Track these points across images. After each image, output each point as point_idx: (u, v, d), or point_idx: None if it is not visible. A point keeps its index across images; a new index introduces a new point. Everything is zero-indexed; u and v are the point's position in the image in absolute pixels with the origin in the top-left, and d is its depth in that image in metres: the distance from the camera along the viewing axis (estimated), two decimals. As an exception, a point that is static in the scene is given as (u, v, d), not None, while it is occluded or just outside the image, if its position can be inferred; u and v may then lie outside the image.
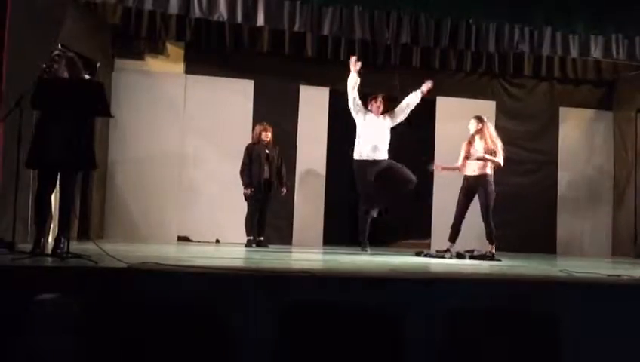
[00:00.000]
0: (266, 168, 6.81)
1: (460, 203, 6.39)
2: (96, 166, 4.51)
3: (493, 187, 6.33)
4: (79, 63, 4.39)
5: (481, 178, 6.29)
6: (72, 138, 4.05)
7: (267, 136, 6.85)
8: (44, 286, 3.21)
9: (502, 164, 6.36)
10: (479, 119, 6.49)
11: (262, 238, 6.82)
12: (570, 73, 8.44)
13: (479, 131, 6.42)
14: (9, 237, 4.19)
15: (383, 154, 6.61)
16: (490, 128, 6.50)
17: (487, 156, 6.29)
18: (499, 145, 6.37)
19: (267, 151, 6.84)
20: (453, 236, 6.33)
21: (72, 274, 3.45)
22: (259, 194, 6.76)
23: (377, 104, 6.69)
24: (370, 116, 6.67)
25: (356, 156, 6.60)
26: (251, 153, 6.82)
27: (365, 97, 6.84)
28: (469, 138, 6.50)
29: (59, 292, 3.19)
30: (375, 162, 6.53)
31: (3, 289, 3.20)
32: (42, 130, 4.11)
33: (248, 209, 6.78)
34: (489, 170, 6.33)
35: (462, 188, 6.43)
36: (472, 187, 6.35)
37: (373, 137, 6.58)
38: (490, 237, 6.28)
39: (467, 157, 6.42)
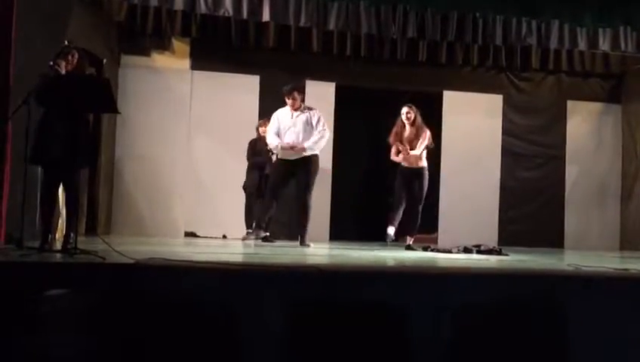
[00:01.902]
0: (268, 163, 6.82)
1: (400, 197, 6.30)
2: (94, 164, 4.51)
3: (427, 180, 6.35)
4: (85, 59, 4.40)
5: (419, 170, 6.28)
6: (72, 135, 4.06)
7: (264, 131, 6.85)
8: (52, 283, 3.23)
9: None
10: (410, 108, 6.30)
11: (267, 234, 6.83)
12: (578, 66, 8.38)
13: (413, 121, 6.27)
14: (17, 233, 4.22)
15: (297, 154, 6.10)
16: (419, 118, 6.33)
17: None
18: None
19: (268, 147, 6.84)
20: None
21: (79, 270, 3.47)
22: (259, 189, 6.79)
23: (291, 99, 6.18)
24: (283, 113, 6.26)
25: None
26: (254, 148, 6.85)
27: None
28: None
29: (67, 288, 3.21)
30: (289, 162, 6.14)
31: (11, 286, 3.23)
32: (46, 127, 4.12)
33: (247, 202, 6.81)
34: (425, 163, 6.33)
35: (399, 181, 6.33)
36: (409, 179, 6.31)
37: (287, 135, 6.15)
38: (414, 229, 6.33)
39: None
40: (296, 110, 6.22)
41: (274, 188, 6.25)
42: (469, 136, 8.12)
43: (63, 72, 4.22)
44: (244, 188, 6.93)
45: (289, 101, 6.21)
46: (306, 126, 6.16)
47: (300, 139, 6.12)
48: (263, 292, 3.41)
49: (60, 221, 5.16)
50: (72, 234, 4.11)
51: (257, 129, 6.97)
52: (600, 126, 8.64)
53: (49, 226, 4.28)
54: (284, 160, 6.20)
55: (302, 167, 6.13)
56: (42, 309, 3.11)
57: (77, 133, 4.09)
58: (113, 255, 3.79)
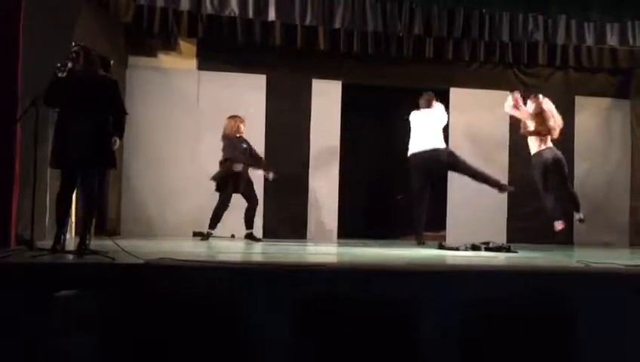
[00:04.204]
0: None
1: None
2: (115, 165, 4.54)
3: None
4: (97, 59, 4.42)
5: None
6: (92, 136, 4.09)
7: (235, 128, 6.79)
8: (63, 283, 3.26)
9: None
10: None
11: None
12: (586, 61, 8.32)
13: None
14: (28, 234, 4.25)
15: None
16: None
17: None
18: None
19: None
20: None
21: (89, 270, 3.49)
22: None
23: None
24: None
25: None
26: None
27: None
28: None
29: (77, 288, 3.23)
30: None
31: (23, 287, 3.25)
32: (62, 129, 4.15)
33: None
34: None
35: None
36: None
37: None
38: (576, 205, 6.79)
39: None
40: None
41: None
42: (476, 132, 8.09)
43: (74, 71, 4.23)
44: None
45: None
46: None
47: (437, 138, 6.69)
48: (272, 290, 3.42)
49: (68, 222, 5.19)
50: (87, 235, 4.15)
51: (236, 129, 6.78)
52: (609, 121, 8.58)
53: (63, 227, 4.30)
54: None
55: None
56: (53, 310, 3.13)
57: (96, 134, 4.11)
58: (122, 255, 3.81)
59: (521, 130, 6.89)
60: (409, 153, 6.75)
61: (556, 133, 6.70)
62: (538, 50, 8.12)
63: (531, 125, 6.71)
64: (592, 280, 3.84)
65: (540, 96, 6.85)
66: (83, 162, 4.15)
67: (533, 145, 6.74)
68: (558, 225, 6.68)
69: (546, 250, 6.40)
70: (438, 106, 6.90)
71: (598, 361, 3.59)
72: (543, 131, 6.66)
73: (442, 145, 6.78)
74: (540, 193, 6.74)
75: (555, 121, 6.69)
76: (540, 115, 6.67)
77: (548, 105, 6.71)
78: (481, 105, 8.00)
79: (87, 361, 3.15)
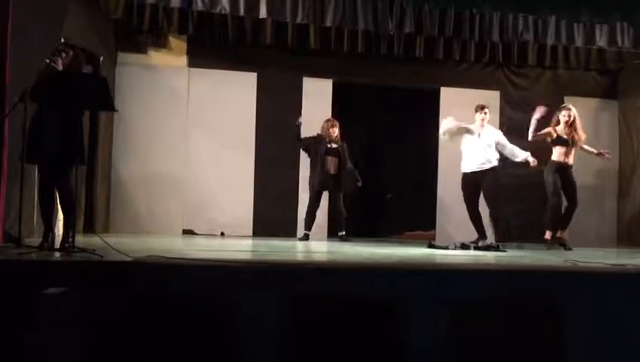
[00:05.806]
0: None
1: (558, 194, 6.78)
2: (84, 161, 4.46)
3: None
4: (82, 57, 4.40)
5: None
6: (64, 133, 4.06)
7: (335, 132, 7.06)
8: (51, 281, 3.24)
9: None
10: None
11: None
12: (575, 62, 8.38)
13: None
14: (15, 231, 4.22)
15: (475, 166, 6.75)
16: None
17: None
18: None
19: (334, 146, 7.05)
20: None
21: (77, 268, 3.47)
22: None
23: (482, 115, 6.82)
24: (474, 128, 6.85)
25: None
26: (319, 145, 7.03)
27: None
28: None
29: (65, 286, 3.21)
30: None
31: (10, 284, 3.23)
32: (39, 124, 4.11)
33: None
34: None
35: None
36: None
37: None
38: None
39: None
40: (483, 126, 6.81)
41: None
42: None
43: (60, 68, 4.22)
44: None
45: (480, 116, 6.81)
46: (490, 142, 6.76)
47: (487, 154, 6.71)
48: (260, 289, 3.42)
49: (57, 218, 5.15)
50: (70, 233, 4.12)
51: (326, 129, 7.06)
52: (597, 122, 8.64)
53: (49, 224, 4.28)
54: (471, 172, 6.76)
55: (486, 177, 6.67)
56: (41, 307, 3.12)
57: (70, 130, 4.08)
58: (111, 253, 3.80)
59: (552, 136, 6.92)
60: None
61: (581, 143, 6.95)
62: (528, 50, 8.17)
63: (563, 134, 6.84)
64: (579, 279, 3.87)
65: (571, 106, 7.02)
66: (52, 158, 4.12)
67: (565, 154, 6.88)
68: (546, 235, 6.76)
69: (535, 249, 6.44)
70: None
71: (585, 359, 3.62)
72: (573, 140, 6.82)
73: None
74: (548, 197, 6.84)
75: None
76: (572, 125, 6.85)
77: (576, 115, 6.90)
78: (471, 104, 8.02)
79: (75, 359, 3.14)
